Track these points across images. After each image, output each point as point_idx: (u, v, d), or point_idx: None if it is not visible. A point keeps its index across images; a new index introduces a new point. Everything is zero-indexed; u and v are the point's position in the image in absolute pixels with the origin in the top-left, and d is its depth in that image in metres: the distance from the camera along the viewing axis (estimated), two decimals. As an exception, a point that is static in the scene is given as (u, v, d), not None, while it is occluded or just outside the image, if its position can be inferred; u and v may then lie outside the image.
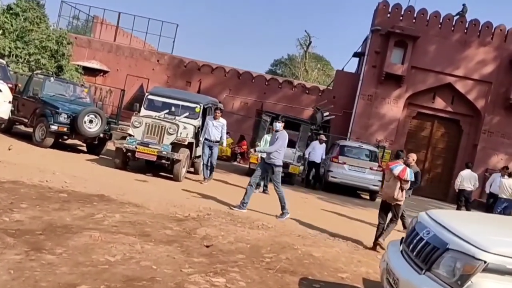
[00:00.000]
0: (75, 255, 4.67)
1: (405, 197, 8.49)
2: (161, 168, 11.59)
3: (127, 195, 8.14)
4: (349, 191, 15.13)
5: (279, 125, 8.85)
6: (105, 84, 22.41)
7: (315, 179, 14.99)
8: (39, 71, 16.16)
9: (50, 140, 12.23)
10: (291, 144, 14.80)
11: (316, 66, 45.88)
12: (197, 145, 11.61)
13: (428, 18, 21.07)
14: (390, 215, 7.83)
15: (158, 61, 23.31)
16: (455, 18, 21.29)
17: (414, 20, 21.03)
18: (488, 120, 21.03)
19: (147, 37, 26.09)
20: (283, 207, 8.65)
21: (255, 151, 9.32)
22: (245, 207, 8.56)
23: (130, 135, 10.95)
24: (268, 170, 8.84)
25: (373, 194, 15.14)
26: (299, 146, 14.97)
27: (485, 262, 3.24)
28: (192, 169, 12.59)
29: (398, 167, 7.40)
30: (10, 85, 12.48)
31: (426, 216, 4.20)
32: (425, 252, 3.67)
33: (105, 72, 23.23)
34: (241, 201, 8.63)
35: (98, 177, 9.51)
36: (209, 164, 11.33)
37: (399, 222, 9.00)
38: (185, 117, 11.63)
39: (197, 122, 11.68)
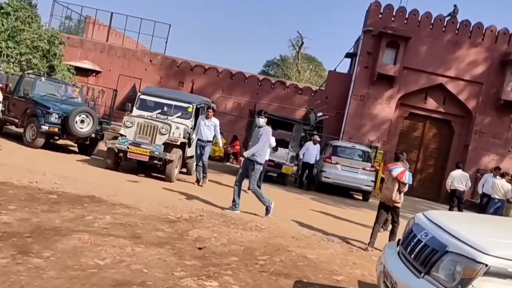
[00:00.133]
0: (64, 258, 4.55)
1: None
2: (153, 168, 11.47)
3: (119, 196, 8.02)
4: (342, 192, 15.09)
5: (262, 121, 8.52)
6: (98, 84, 22.28)
7: (309, 180, 14.92)
8: (30, 71, 15.99)
9: (41, 141, 12.09)
10: (284, 144, 14.80)
11: (308, 67, 45.93)
12: (189, 145, 11.49)
13: (419, 19, 21.12)
14: (384, 216, 7.83)
15: (150, 61, 23.21)
16: (446, 19, 21.36)
17: (405, 21, 21.08)
18: (479, 120, 21.11)
19: (139, 37, 26.00)
20: (265, 203, 8.44)
21: (244, 156, 8.96)
22: (237, 208, 8.45)
23: (122, 135, 10.83)
24: (249, 166, 8.47)
25: (366, 195, 15.12)
26: (292, 146, 14.92)
27: (486, 265, 3.14)
28: (184, 170, 12.49)
29: (397, 169, 7.41)
30: (1, 85, 12.34)
31: (423, 217, 4.11)
32: (424, 255, 3.58)
33: (97, 72, 23.10)
34: (232, 203, 8.50)
35: (89, 178, 9.37)
36: (200, 164, 11.17)
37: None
38: (178, 117, 11.54)
39: (190, 122, 11.59)
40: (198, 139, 11.06)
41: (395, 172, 7.34)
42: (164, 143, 10.67)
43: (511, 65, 20.42)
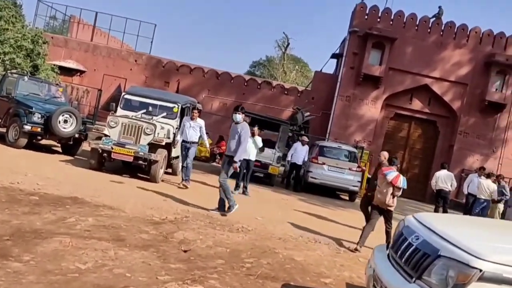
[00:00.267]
0: (44, 262, 4.41)
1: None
2: (138, 169, 11.30)
3: (102, 197, 7.86)
4: (329, 192, 15.06)
5: (239, 117, 8.27)
6: (82, 84, 22.03)
7: (296, 181, 14.84)
8: (13, 71, 15.71)
9: (23, 141, 11.88)
10: (270, 144, 14.72)
11: (294, 68, 46.00)
12: (174, 146, 11.35)
13: (405, 20, 21.21)
14: (378, 219, 7.85)
15: (136, 61, 23.01)
16: (431, 20, 21.49)
17: (391, 22, 21.16)
18: (464, 121, 21.27)
19: (124, 37, 25.76)
20: (229, 200, 8.13)
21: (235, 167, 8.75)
22: (235, 204, 8.25)
23: (106, 135, 10.67)
24: (226, 160, 8.33)
25: (352, 195, 15.10)
26: (279, 146, 14.85)
27: (480, 270, 3.05)
28: (170, 170, 12.35)
29: (392, 174, 7.42)
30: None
31: (413, 219, 4.02)
32: (415, 259, 3.48)
33: (82, 72, 22.86)
34: (227, 206, 8.28)
35: (73, 179, 9.19)
36: (185, 165, 10.96)
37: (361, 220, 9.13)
38: (163, 117, 11.39)
39: (175, 122, 11.44)
40: (183, 140, 10.87)
41: (390, 177, 7.35)
42: (149, 144, 10.52)
43: (495, 66, 20.62)
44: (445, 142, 21.79)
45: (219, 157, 20.58)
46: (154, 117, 11.27)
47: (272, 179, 14.86)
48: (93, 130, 11.83)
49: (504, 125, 21.30)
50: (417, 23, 21.21)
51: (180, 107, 11.62)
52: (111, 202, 7.51)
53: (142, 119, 10.96)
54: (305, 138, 15.13)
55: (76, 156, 12.62)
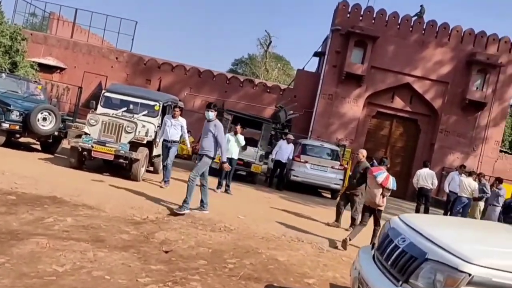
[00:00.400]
0: (20, 265, 4.27)
1: (362, 194, 8.94)
2: (119, 167, 11.12)
3: (82, 196, 7.70)
4: (311, 190, 15.05)
5: (211, 115, 8.11)
6: (62, 82, 21.65)
7: (279, 179, 14.77)
8: (-8, 68, 15.36)
9: (1, 139, 11.61)
10: (253, 143, 14.64)
11: (276, 66, 45.98)
12: (156, 145, 11.19)
13: (387, 18, 21.33)
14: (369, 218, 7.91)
15: (116, 58, 22.73)
16: (413, 19, 21.64)
17: (373, 21, 21.25)
18: (445, 119, 21.49)
19: (105, 34, 25.44)
20: (185, 201, 7.75)
21: (226, 167, 8.62)
22: (205, 209, 8.17)
23: (86, 133, 10.47)
24: (198, 159, 8.16)
25: (334, 193, 15.10)
26: (261, 145, 14.77)
27: (470, 275, 3.00)
28: (151, 169, 12.19)
29: (382, 175, 7.51)
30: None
31: (399, 221, 3.96)
32: (402, 262, 3.42)
33: (62, 69, 22.50)
34: (200, 203, 8.21)
35: (52, 178, 8.99)
36: (165, 164, 10.80)
37: (346, 217, 9.27)
38: (144, 115, 11.24)
39: (156, 121, 11.30)
40: (164, 139, 10.65)
41: (380, 179, 7.45)
42: (130, 142, 10.37)
43: (476, 65, 20.86)
44: (426, 140, 22.00)
45: (201, 156, 20.42)
46: (135, 115, 11.11)
47: (254, 177, 14.79)
48: (73, 128, 11.59)
49: (484, 124, 21.59)
50: (399, 21, 21.35)
51: (161, 105, 11.48)
52: (91, 202, 7.37)
53: (123, 117, 10.79)
54: (291, 136, 15.08)
55: (55, 155, 12.39)
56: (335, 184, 14.70)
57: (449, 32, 21.44)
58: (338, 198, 9.74)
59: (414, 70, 21.23)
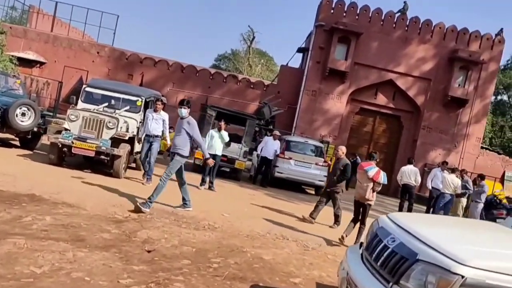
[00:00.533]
0: (-5, 267, 4.10)
1: (342, 191, 9.17)
2: (100, 164, 10.90)
3: (62, 194, 7.49)
4: (295, 187, 15.00)
5: (184, 112, 7.82)
6: (42, 76, 21.27)
7: (264, 176, 14.65)
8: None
9: (-22, 135, 11.28)
10: (237, 139, 14.52)
11: (259, 62, 45.84)
12: (139, 141, 10.98)
13: (370, 14, 21.37)
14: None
15: (98, 53, 22.36)
16: (397, 15, 21.71)
17: (357, 17, 21.27)
18: (427, 116, 21.64)
19: (86, 28, 25.02)
20: (150, 198, 7.44)
21: (210, 163, 8.42)
22: (188, 206, 8.01)
23: (66, 129, 10.23)
24: (171, 157, 7.92)
25: (318, 189, 15.06)
26: (245, 141, 14.65)
27: (463, 277, 2.92)
28: (134, 165, 11.98)
29: (373, 170, 7.57)
30: None
31: (388, 220, 3.87)
32: (392, 263, 3.33)
33: (42, 63, 22.05)
34: (182, 202, 8.05)
35: (31, 175, 8.76)
36: (146, 161, 10.48)
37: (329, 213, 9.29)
38: (126, 110, 11.02)
39: (139, 116, 11.08)
40: (146, 135, 10.38)
41: (371, 173, 7.49)
42: (112, 138, 10.15)
43: (458, 62, 21.03)
44: (408, 136, 22.13)
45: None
46: (117, 111, 10.89)
47: (238, 174, 14.67)
48: (53, 123, 11.32)
49: (466, 120, 21.79)
50: (383, 18, 21.40)
51: (144, 100, 11.26)
52: (71, 199, 7.17)
53: (104, 113, 10.57)
54: (277, 132, 14.97)
55: (35, 151, 12.12)
56: (319, 180, 14.64)
57: (432, 28, 21.56)
58: (320, 195, 9.70)
59: (397, 66, 21.32)
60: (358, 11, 21.28)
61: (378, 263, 3.49)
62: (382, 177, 7.57)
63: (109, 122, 10.26)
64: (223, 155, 12.35)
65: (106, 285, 4.12)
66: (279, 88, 22.65)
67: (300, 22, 78.56)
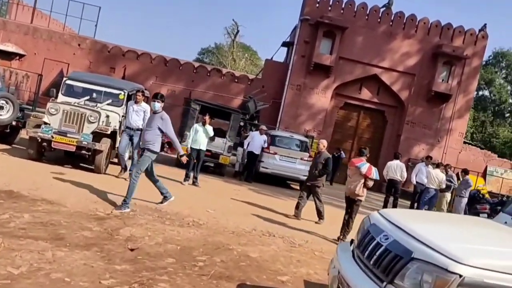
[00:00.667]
0: (-31, 268, 3.89)
1: (323, 185, 9.21)
2: (81, 159, 10.63)
3: (41, 190, 7.25)
4: (280, 182, 14.89)
5: (158, 106, 7.46)
6: (21, 69, 20.75)
7: (249, 171, 14.47)
8: None
9: (-46, 129, 10.93)
10: (221, 133, 14.34)
11: (243, 56, 45.57)
12: (120, 135, 10.72)
13: (355, 9, 21.31)
14: None
15: (79, 45, 21.89)
16: (382, 10, 21.69)
17: (342, 11, 21.19)
18: (411, 111, 21.72)
19: (67, 19, 24.45)
20: (125, 200, 7.11)
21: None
22: (169, 197, 7.75)
23: (45, 123, 9.93)
24: (140, 153, 7.63)
25: (303, 185, 14.98)
26: (230, 136, 14.47)
27: (460, 276, 2.81)
28: (116, 160, 11.72)
29: (365, 166, 7.66)
30: None
31: (380, 217, 3.76)
32: (385, 261, 3.22)
33: (21, 55, 21.52)
34: (162, 197, 7.78)
35: (8, 170, 8.49)
36: (123, 155, 10.06)
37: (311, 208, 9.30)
38: (108, 104, 10.76)
39: (121, 110, 10.82)
40: (127, 127, 9.96)
41: (364, 169, 7.57)
42: (93, 132, 9.90)
43: (442, 57, 21.11)
44: (392, 131, 22.19)
45: (167, 146, 19.98)
46: (99, 104, 10.63)
47: (222, 169, 14.51)
48: (32, 117, 10.99)
49: (449, 115, 21.93)
50: (368, 12, 21.37)
51: (126, 94, 11.00)
52: (50, 196, 6.93)
53: (85, 106, 10.30)
54: (264, 127, 14.83)
55: (13, 145, 11.80)
56: (304, 175, 14.51)
57: (416, 23, 21.63)
58: (301, 190, 9.65)
59: (381, 61, 21.33)
60: (343, 6, 21.20)
61: (371, 262, 3.37)
62: (374, 173, 7.67)
63: (91, 116, 9.99)
64: (207, 150, 12.16)
65: (87, 286, 3.93)
66: (264, 82, 22.49)
67: (284, 16, 78.30)
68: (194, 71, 22.41)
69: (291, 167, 14.35)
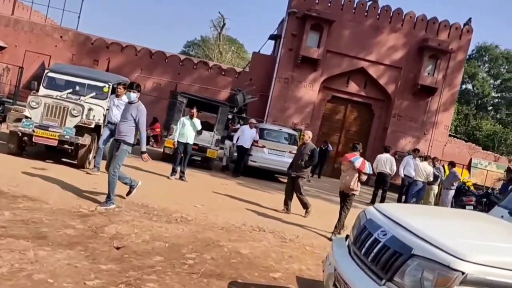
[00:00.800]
0: None
1: (308, 178, 8.70)
2: (64, 154, 10.33)
3: (22, 186, 6.98)
4: (268, 175, 14.73)
5: (133, 96, 7.09)
6: (2, 61, 20.24)
7: (237, 165, 14.25)
8: None
9: None
10: (208, 127, 14.10)
11: (230, 49, 45.23)
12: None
13: (342, 2, 21.16)
14: None
15: (61, 37, 21.42)
16: (368, 3, 21.58)
17: (329, 4, 21.04)
18: (397, 104, 21.73)
19: (49, 11, 23.97)
20: (109, 197, 6.82)
21: (145, 158, 7.16)
22: (135, 184, 7.34)
23: (26, 117, 9.61)
24: (115, 146, 7.12)
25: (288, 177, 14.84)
26: (218, 129, 14.24)
27: (463, 273, 2.69)
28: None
29: (358, 160, 7.66)
30: None
31: (376, 212, 3.62)
32: (384, 258, 3.09)
33: (1, 48, 20.98)
34: (129, 189, 7.38)
35: (-13, 166, 8.19)
36: (102, 149, 9.62)
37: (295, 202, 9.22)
38: (92, 97, 10.47)
39: (106, 103, 10.52)
40: (108, 122, 9.68)
41: (357, 164, 7.61)
42: (76, 126, 9.59)
43: (428, 51, 21.13)
44: (379, 124, 22.19)
45: (153, 140, 19.75)
46: (82, 98, 10.33)
47: (210, 163, 14.28)
48: (13, 111, 10.64)
49: (434, 108, 21.99)
50: (355, 6, 21.25)
51: (111, 86, 10.71)
52: (31, 192, 6.67)
53: (68, 100, 10.00)
54: (253, 121, 14.62)
55: (-7, 140, 11.42)
56: (292, 169, 14.41)
57: (403, 17, 21.63)
58: (287, 182, 9.55)
59: (368, 55, 21.28)
60: (330, -1, 21.05)
61: (369, 259, 3.24)
62: (368, 167, 7.74)
63: (73, 109, 9.69)
64: (194, 144, 11.93)
65: (71, 287, 3.72)
66: (251, 76, 22.29)
67: (272, 9, 77.95)
68: (180, 63, 22.11)
69: (280, 160, 14.17)
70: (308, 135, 9.44)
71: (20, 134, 9.43)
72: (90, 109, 10.03)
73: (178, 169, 11.15)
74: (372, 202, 13.10)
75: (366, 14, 21.34)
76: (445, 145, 22.62)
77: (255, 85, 21.49)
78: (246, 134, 13.82)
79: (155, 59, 21.78)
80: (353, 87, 21.87)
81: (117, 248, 4.90)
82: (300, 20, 20.62)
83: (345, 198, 7.93)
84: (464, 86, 42.58)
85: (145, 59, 21.67)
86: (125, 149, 7.02)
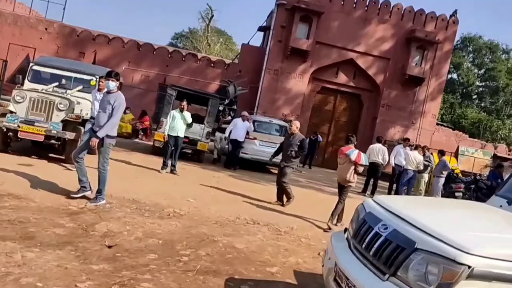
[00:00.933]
0: None
1: (296, 167, 9.35)
2: (51, 149, 10.09)
3: (7, 184, 6.74)
4: (260, 167, 14.61)
5: (112, 85, 6.65)
6: (-15, 55, 19.73)
7: (229, 157, 14.08)
8: None
9: None
10: (199, 119, 13.92)
11: (218, 40, 44.89)
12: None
13: (332, -7, 21.05)
14: None
15: (46, 29, 20.99)
16: (357, -5, 21.51)
17: (318, -5, 20.89)
18: (386, 94, 21.80)
19: (33, 3, 23.47)
20: (100, 191, 6.62)
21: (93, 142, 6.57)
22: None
23: (11, 112, 9.34)
24: (91, 137, 6.69)
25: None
26: (208, 122, 14.05)
27: (469, 267, 2.59)
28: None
29: (354, 152, 7.72)
30: None
31: (375, 205, 3.51)
32: (387, 253, 2.98)
33: (-16, 41, 20.48)
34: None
35: (-29, 163, 7.94)
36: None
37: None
38: (79, 90, 10.23)
39: (93, 97, 10.29)
40: (91, 117, 9.13)
41: (353, 156, 7.66)
42: (63, 121, 9.36)
43: (415, 42, 21.28)
44: (368, 114, 22.25)
45: (142, 133, 19.53)
46: (69, 91, 10.11)
47: (201, 155, 14.10)
48: (-4, 106, 10.38)
49: (422, 98, 22.15)
50: (344, -3, 21.16)
51: (98, 79, 10.45)
52: (17, 190, 6.45)
53: (54, 93, 9.76)
54: (245, 113, 14.43)
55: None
56: (284, 161, 14.29)
57: (390, 9, 21.74)
58: (277, 174, 9.49)
59: (357, 46, 21.29)
60: (319, -11, 20.89)
61: (371, 253, 3.13)
62: (363, 159, 7.78)
63: (60, 103, 9.44)
64: (185, 136, 11.74)
65: (62, 290, 3.57)
66: (241, 67, 22.11)
67: (260, 1, 77.44)
68: (169, 56, 21.82)
69: (271, 152, 14.01)
70: (296, 125, 9.40)
71: (5, 130, 9.17)
72: (77, 103, 9.79)
73: (169, 162, 10.97)
74: (364, 191, 13.11)
75: (354, 5, 21.31)
76: (433, 134, 22.82)
77: (246, 78, 21.31)
78: (238, 128, 13.66)
79: (143, 51, 21.47)
80: (342, 78, 21.84)
81: (109, 247, 4.74)
82: (289, 11, 20.50)
83: (342, 189, 7.99)
84: (449, 76, 42.95)
85: (133, 51, 21.35)
86: (109, 143, 6.72)
